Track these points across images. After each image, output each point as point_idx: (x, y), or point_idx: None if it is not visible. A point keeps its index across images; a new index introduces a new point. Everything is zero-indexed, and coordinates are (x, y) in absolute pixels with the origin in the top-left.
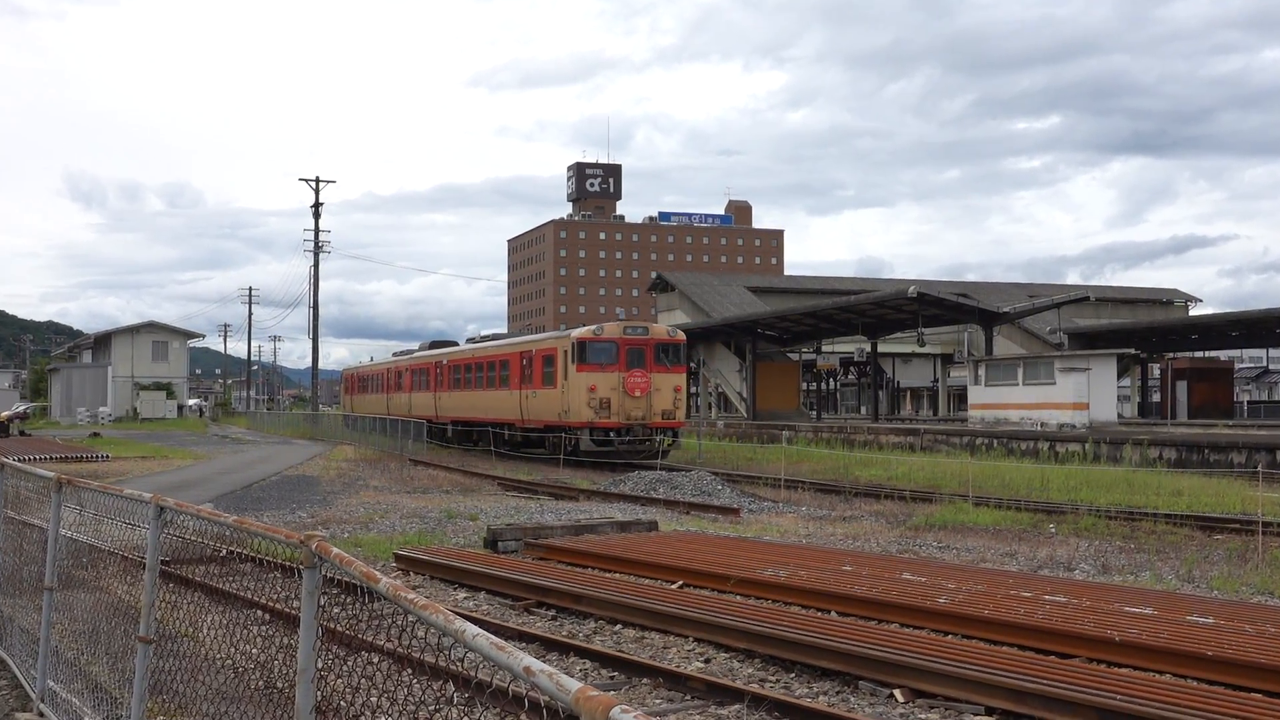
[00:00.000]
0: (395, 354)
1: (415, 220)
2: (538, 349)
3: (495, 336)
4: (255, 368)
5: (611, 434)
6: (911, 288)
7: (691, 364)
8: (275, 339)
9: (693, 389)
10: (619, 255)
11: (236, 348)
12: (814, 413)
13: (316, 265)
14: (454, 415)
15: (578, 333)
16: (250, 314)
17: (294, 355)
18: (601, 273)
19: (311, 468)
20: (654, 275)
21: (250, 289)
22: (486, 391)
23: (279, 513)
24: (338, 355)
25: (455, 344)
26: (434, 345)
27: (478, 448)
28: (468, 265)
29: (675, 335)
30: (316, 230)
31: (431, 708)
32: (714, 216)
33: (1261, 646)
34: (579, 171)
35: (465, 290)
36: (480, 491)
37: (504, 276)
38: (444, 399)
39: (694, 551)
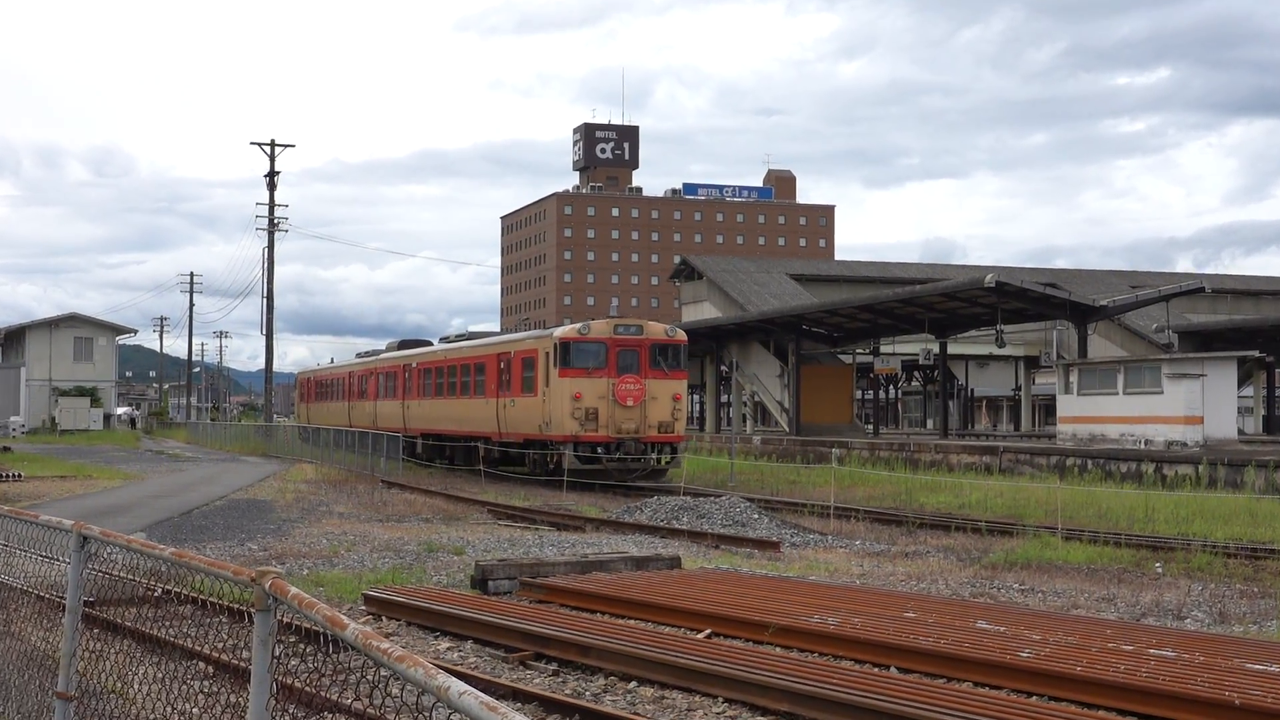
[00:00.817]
0: (359, 355)
1: (390, 193)
2: (517, 351)
3: (473, 335)
4: (197, 370)
5: (599, 449)
6: (989, 276)
7: (723, 367)
8: (221, 335)
9: (724, 397)
10: (636, 236)
11: (175, 346)
12: (870, 427)
13: (271, 247)
14: (424, 427)
15: (560, 332)
16: (191, 305)
17: (244, 355)
18: (615, 257)
19: (264, 490)
20: (678, 260)
21: (192, 275)
22: (460, 400)
23: (226, 544)
24: (296, 355)
25: (429, 344)
26: (403, 345)
27: (461, 468)
28: (454, 248)
29: (675, 335)
30: (271, 204)
31: None
32: (750, 189)
33: None
34: (588, 135)
35: (450, 278)
36: (467, 520)
37: (497, 261)
38: (413, 408)
39: (725, 594)
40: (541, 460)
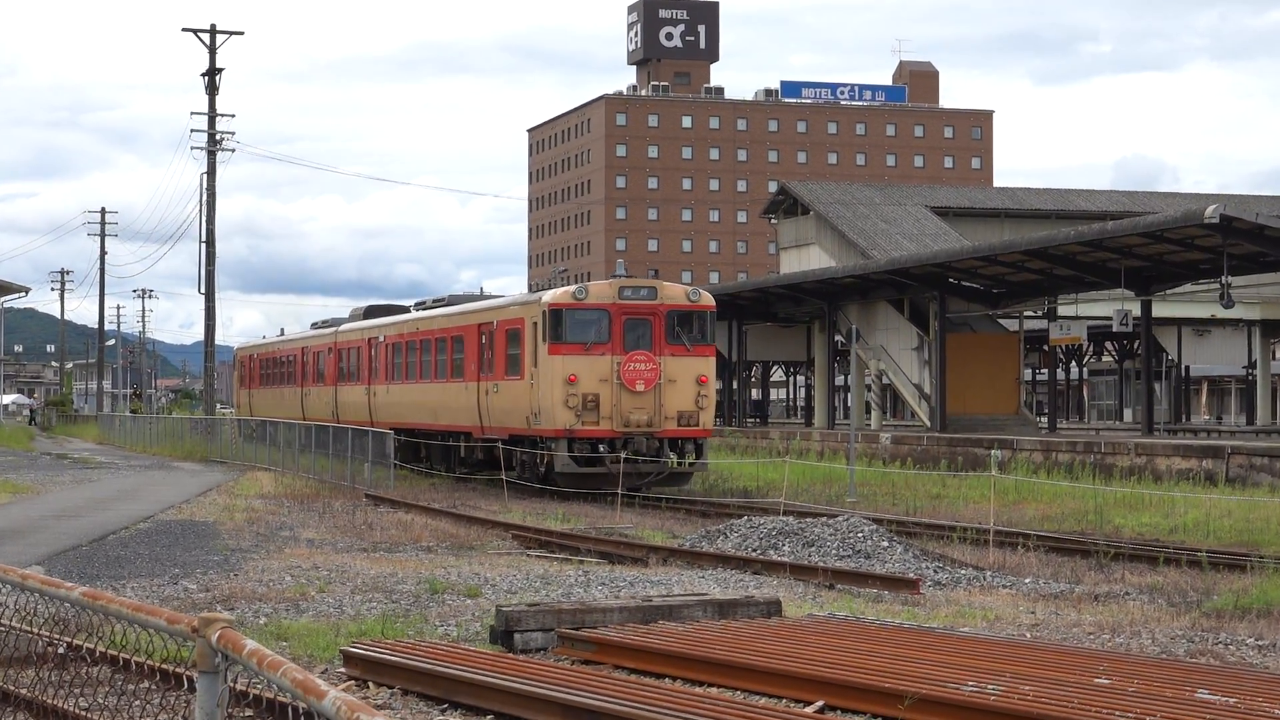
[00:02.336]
0: (316, 325)
1: (374, 99)
2: (500, 321)
3: (457, 300)
4: (111, 343)
5: (601, 447)
6: (1210, 208)
7: (837, 337)
8: (144, 295)
9: (838, 380)
10: (715, 155)
11: (82, 311)
12: (1043, 419)
13: (212, 173)
14: (394, 419)
15: (551, 296)
16: (103, 254)
17: (174, 322)
18: (686, 184)
19: (206, 508)
20: (774, 188)
21: (103, 213)
22: (435, 384)
23: (153, 583)
24: (246, 322)
25: (406, 310)
26: (372, 313)
27: (479, 479)
28: (462, 173)
29: (699, 299)
30: (212, 116)
31: None
32: (875, 90)
33: None
34: (648, 14)
35: (458, 215)
36: (483, 549)
37: (523, 190)
38: (381, 396)
39: (843, 651)
40: (531, 462)
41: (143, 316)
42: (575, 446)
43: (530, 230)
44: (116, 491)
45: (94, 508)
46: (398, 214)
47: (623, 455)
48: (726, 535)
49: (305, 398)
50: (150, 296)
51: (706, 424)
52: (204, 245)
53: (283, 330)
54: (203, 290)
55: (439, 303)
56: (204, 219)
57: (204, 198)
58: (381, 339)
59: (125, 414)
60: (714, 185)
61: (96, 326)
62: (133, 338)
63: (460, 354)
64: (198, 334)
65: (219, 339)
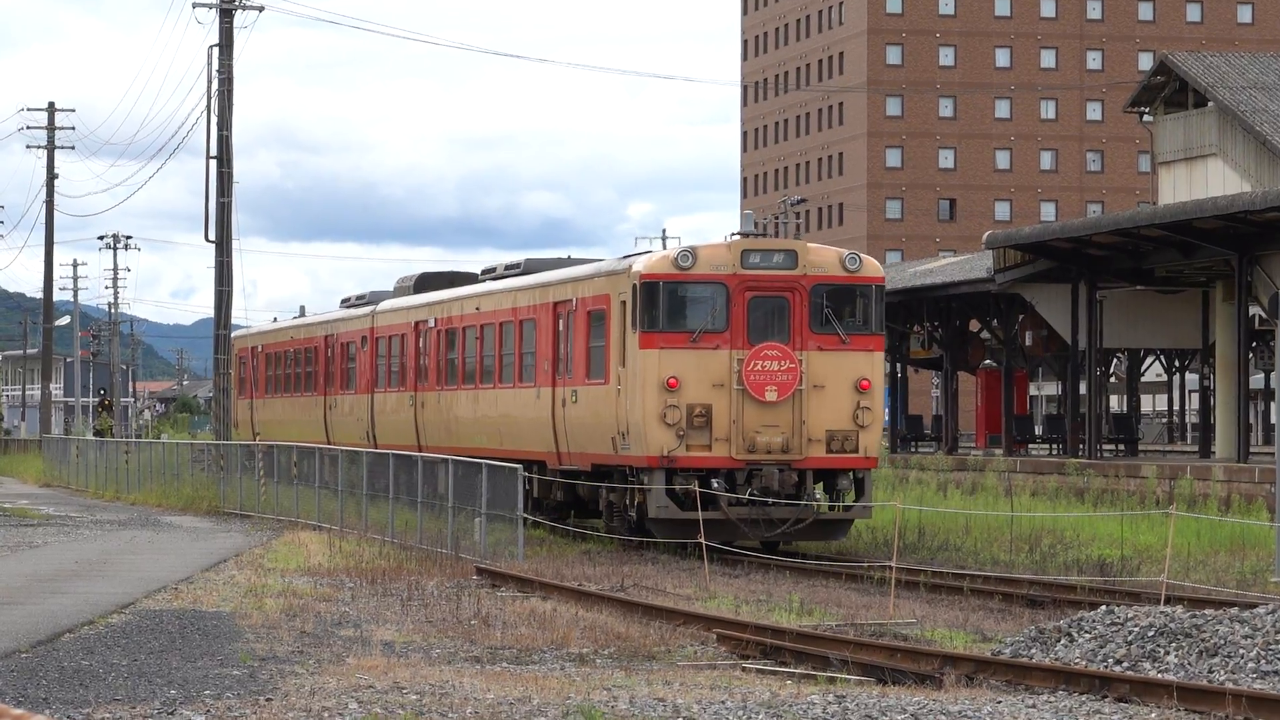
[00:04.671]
0: (346, 301)
1: None
2: (581, 298)
3: (536, 266)
4: (65, 321)
5: (716, 482)
6: None
7: (1254, 310)
8: (117, 245)
9: (1255, 379)
10: (1049, 9)
11: (16, 271)
12: None
13: (227, 47)
14: (449, 442)
15: (644, 264)
16: (51, 179)
17: (164, 288)
18: (1001, 58)
19: (219, 589)
20: (1148, 64)
21: (52, 111)
22: (497, 390)
23: (135, 712)
24: (281, 288)
25: (474, 279)
26: (424, 284)
27: (614, 535)
28: (629, 43)
29: (859, 267)
30: None
31: None
32: None
33: None
34: None
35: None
36: (671, 658)
37: (731, 70)
38: (430, 407)
39: None
40: (620, 503)
41: (114, 279)
42: (676, 480)
43: (744, 137)
44: (74, 563)
45: (39, 590)
46: (527, 111)
47: (747, 495)
48: (1071, 637)
49: (330, 410)
50: (128, 247)
51: (869, 449)
52: (213, 166)
53: (302, 309)
54: (211, 237)
55: (512, 270)
56: (212, 122)
57: (213, 86)
58: (432, 323)
59: (86, 437)
60: (1047, 61)
61: (39, 295)
62: (98, 313)
63: (530, 346)
64: (203, 307)
65: (239, 315)
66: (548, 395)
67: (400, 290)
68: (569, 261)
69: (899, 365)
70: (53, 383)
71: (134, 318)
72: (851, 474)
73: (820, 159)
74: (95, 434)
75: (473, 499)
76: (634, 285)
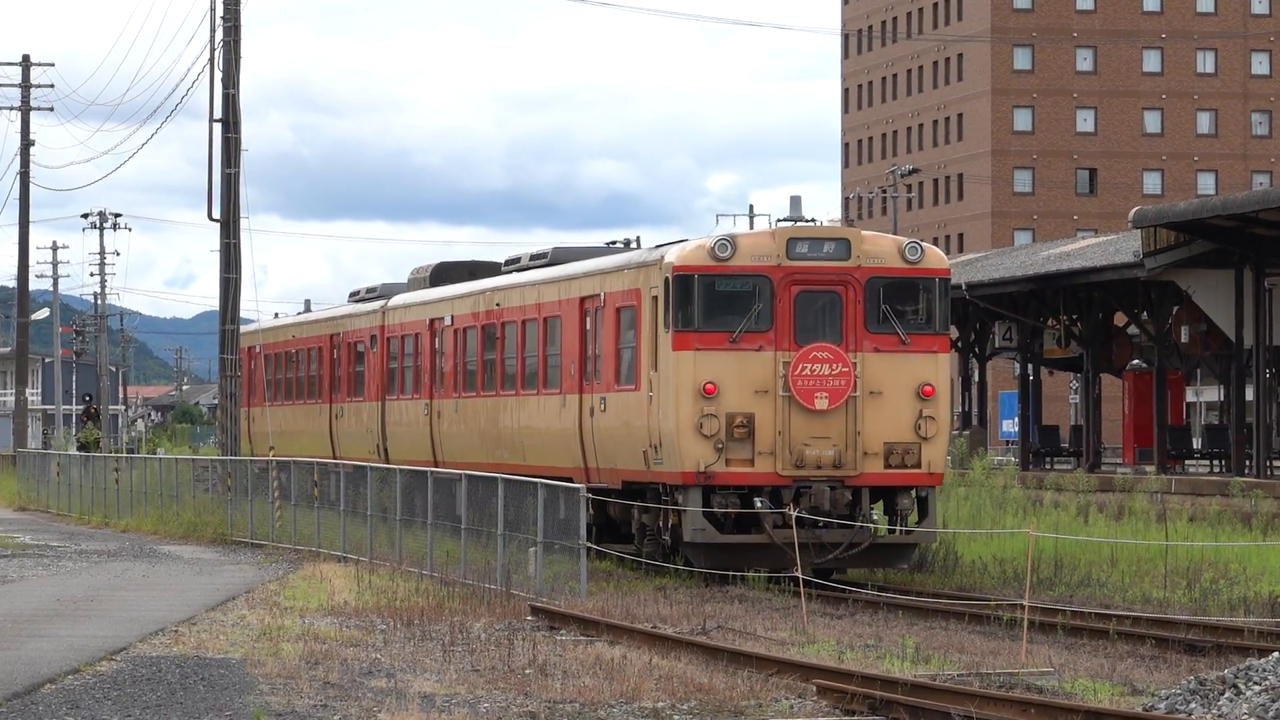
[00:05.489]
0: (355, 295)
1: None
2: (610, 292)
3: (564, 256)
4: (44, 314)
5: (759, 501)
6: None
7: None
8: (103, 224)
9: None
10: None
11: None
12: None
13: None
14: (469, 457)
15: (677, 253)
16: (27, 146)
17: (160, 275)
18: (1149, 1)
19: (227, 632)
20: None
21: (27, 65)
22: (518, 397)
23: None
24: (297, 275)
25: (497, 270)
26: (440, 276)
27: (694, 569)
28: None
29: (919, 257)
30: None
31: None
32: None
33: None
34: None
35: (702, 63)
36: (758, 713)
37: (831, 17)
38: (447, 416)
39: None
40: (654, 525)
41: (100, 265)
42: (716, 498)
43: (845, 95)
44: (56, 601)
45: (14, 633)
46: (589, 65)
47: (794, 514)
48: (1238, 689)
49: (336, 420)
50: (116, 227)
51: (934, 463)
52: (217, 130)
53: (307, 304)
54: (216, 215)
55: (538, 259)
56: (216, 78)
57: (217, 36)
58: (449, 321)
59: (69, 452)
60: (1204, 4)
61: (13, 284)
62: (81, 305)
63: (555, 348)
64: (206, 298)
65: (248, 307)
66: (574, 403)
67: (415, 283)
68: (604, 250)
69: (1030, 367)
70: (29, 387)
71: (124, 310)
72: (913, 492)
73: (935, 121)
74: (79, 448)
75: (526, 525)
76: (666, 278)
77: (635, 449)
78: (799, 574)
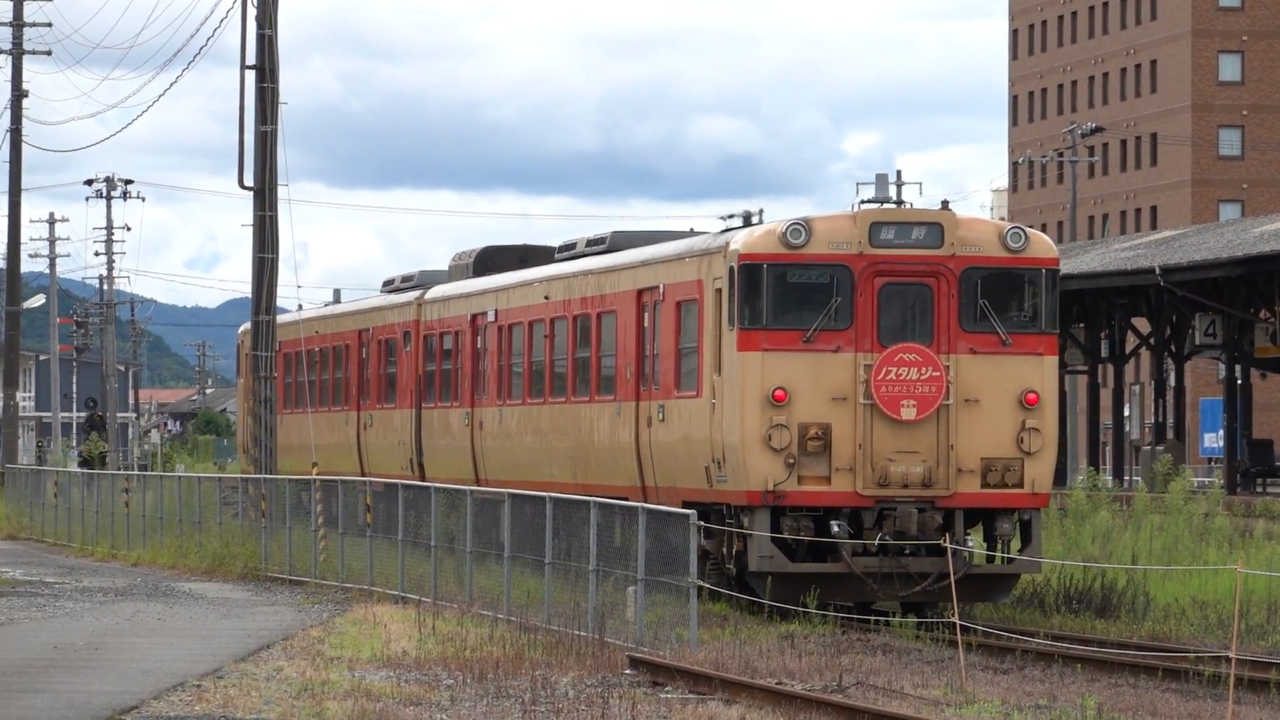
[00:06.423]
0: (389, 285)
1: None
2: (669, 285)
3: (625, 241)
4: (39, 302)
5: (836, 525)
6: None
7: None
8: (110, 193)
9: None
10: None
11: None
12: None
13: None
14: (515, 474)
15: (744, 240)
16: (18, 97)
17: (179, 256)
18: None
19: (260, 688)
20: None
21: (19, 1)
22: (570, 405)
23: None
24: (347, 256)
25: (550, 255)
26: (485, 264)
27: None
28: None
29: (1024, 246)
30: None
31: None
32: None
33: None
34: None
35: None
36: None
37: None
38: (490, 428)
39: None
40: (716, 550)
41: (108, 242)
42: (786, 521)
43: (1013, 38)
44: (54, 649)
45: (5, 686)
46: (699, 1)
47: (878, 541)
48: None
49: (365, 430)
50: (127, 196)
51: (1039, 482)
52: (250, 79)
53: (336, 295)
54: (248, 182)
55: (594, 247)
56: (249, 15)
57: None
58: (493, 316)
59: (69, 469)
60: None
61: (2, 265)
62: (84, 290)
63: (610, 348)
64: (235, 283)
65: (285, 295)
66: (630, 412)
67: (456, 271)
68: (672, 235)
69: (1238, 369)
70: (21, 391)
71: (136, 297)
72: (1016, 515)
73: (1123, 70)
74: (81, 464)
75: (623, 558)
76: (731, 268)
77: (696, 465)
78: (883, 605)
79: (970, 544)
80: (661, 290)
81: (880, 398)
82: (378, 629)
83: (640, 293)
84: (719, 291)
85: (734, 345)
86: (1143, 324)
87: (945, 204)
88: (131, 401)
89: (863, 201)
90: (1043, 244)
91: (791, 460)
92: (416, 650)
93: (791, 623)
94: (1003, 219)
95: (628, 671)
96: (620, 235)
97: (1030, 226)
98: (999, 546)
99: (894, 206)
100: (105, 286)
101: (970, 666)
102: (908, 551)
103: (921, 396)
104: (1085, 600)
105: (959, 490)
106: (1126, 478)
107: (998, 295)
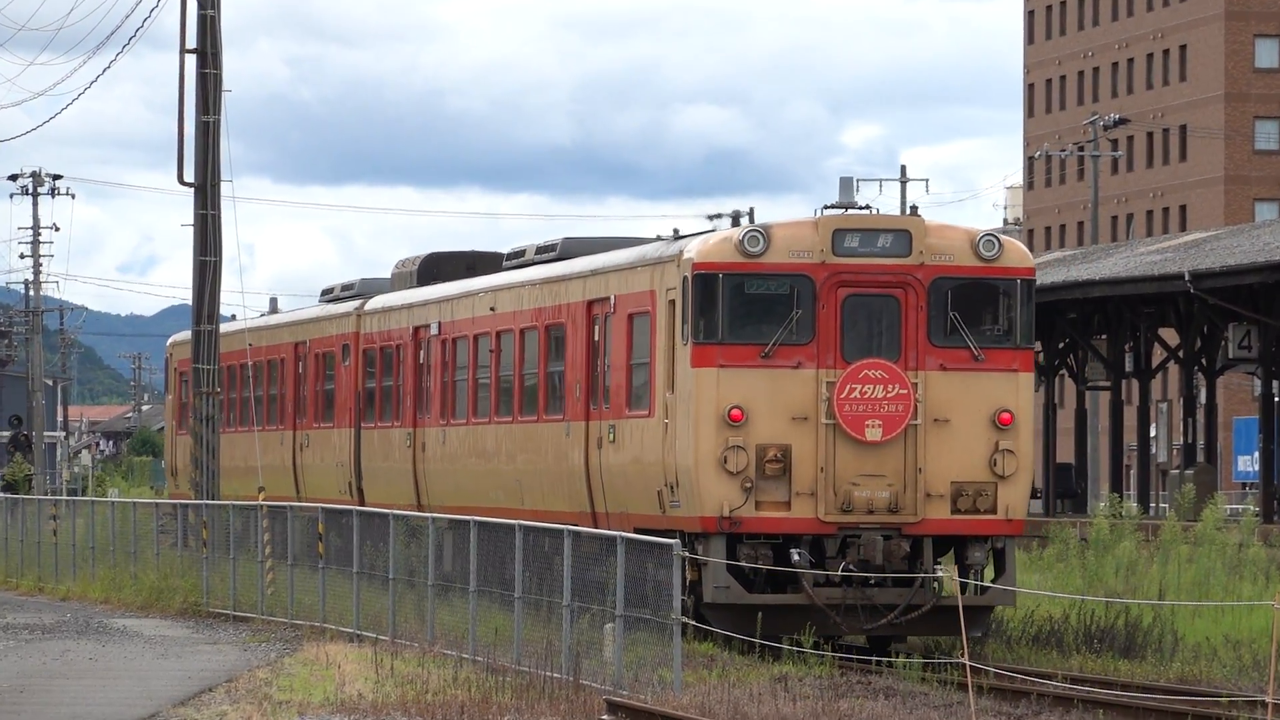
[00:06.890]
0: (327, 294)
1: None
2: (620, 295)
3: (576, 247)
4: None
5: (796, 553)
6: None
7: None
8: (38, 189)
9: None
10: None
11: None
12: None
13: None
14: (458, 500)
15: (699, 247)
16: None
17: (112, 259)
18: None
19: None
20: None
21: None
22: (514, 425)
23: None
24: (282, 267)
25: (498, 263)
26: (428, 273)
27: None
28: None
29: (998, 254)
30: None
31: None
32: None
33: None
34: None
35: None
36: None
37: None
38: (433, 449)
39: None
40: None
41: (34, 243)
42: (742, 551)
43: (1028, 20)
44: None
45: None
46: None
47: (841, 571)
48: None
49: (302, 450)
50: (55, 193)
51: (1013, 508)
52: (190, 63)
53: (273, 304)
54: (189, 178)
55: (545, 254)
56: None
57: None
58: (436, 329)
59: None
60: None
61: None
62: (8, 296)
63: (558, 364)
64: (174, 288)
65: (230, 301)
66: (580, 432)
67: (399, 280)
68: (628, 242)
69: (1275, 385)
70: None
71: (65, 304)
72: (988, 542)
73: (1150, 55)
74: (4, 488)
75: (595, 593)
76: (685, 278)
77: (649, 489)
78: (841, 637)
79: (940, 573)
80: (613, 302)
81: (843, 417)
82: (330, 670)
83: (590, 304)
84: (672, 303)
85: (688, 361)
86: (1171, 335)
87: (914, 209)
88: (60, 419)
89: (826, 207)
90: (1018, 252)
91: (749, 484)
92: (373, 693)
93: (785, 663)
94: (1018, 220)
95: (605, 717)
96: (571, 242)
97: (1048, 227)
98: (971, 576)
99: (859, 213)
100: (31, 292)
101: (981, 712)
102: (873, 582)
103: (888, 416)
104: (1108, 639)
105: (927, 516)
106: (1153, 504)
107: (970, 307)
